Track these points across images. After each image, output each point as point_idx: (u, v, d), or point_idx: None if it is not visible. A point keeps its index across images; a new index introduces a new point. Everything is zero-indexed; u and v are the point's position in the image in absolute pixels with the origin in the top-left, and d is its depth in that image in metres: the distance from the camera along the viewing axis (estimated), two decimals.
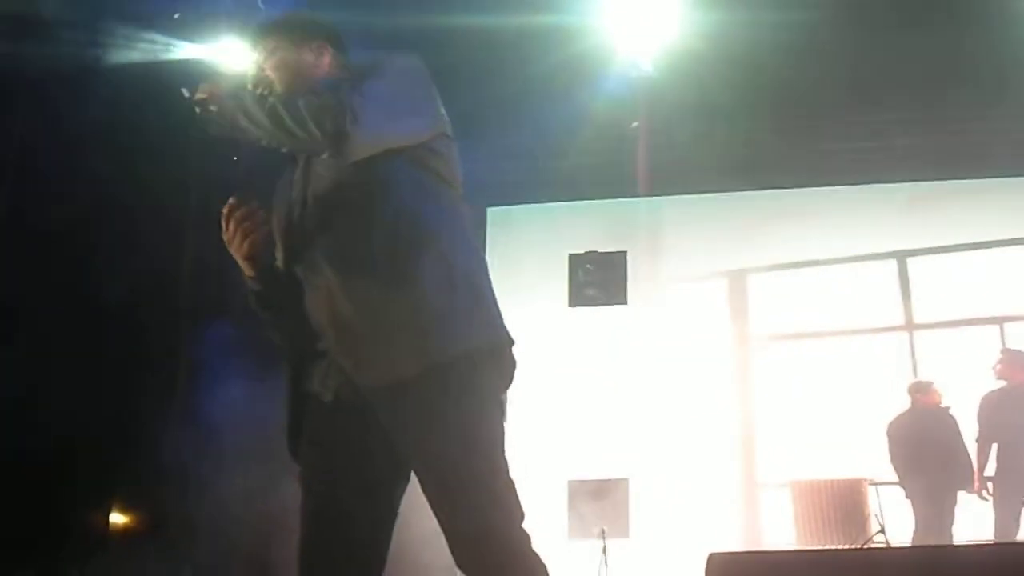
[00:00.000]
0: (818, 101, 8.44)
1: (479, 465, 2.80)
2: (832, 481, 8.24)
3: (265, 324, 3.11)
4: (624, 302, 9.64)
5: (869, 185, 9.14)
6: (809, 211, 9.26)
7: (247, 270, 2.99)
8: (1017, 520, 7.25)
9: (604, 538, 7.52)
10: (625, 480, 8.88)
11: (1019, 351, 7.99)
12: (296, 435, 2.99)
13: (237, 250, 2.94)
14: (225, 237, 2.94)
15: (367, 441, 2.90)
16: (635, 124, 9.25)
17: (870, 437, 8.22)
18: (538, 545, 2.80)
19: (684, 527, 8.56)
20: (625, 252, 9.74)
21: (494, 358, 2.91)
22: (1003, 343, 8.49)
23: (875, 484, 8.14)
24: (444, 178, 3.02)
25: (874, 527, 7.91)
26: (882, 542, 7.75)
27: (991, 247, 9.01)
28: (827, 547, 7.59)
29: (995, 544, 5.88)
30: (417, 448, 2.83)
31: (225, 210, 2.91)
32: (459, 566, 2.79)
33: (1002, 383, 7.90)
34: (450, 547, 2.79)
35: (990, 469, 7.75)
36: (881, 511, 8.03)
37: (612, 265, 9.79)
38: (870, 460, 8.20)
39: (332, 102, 2.77)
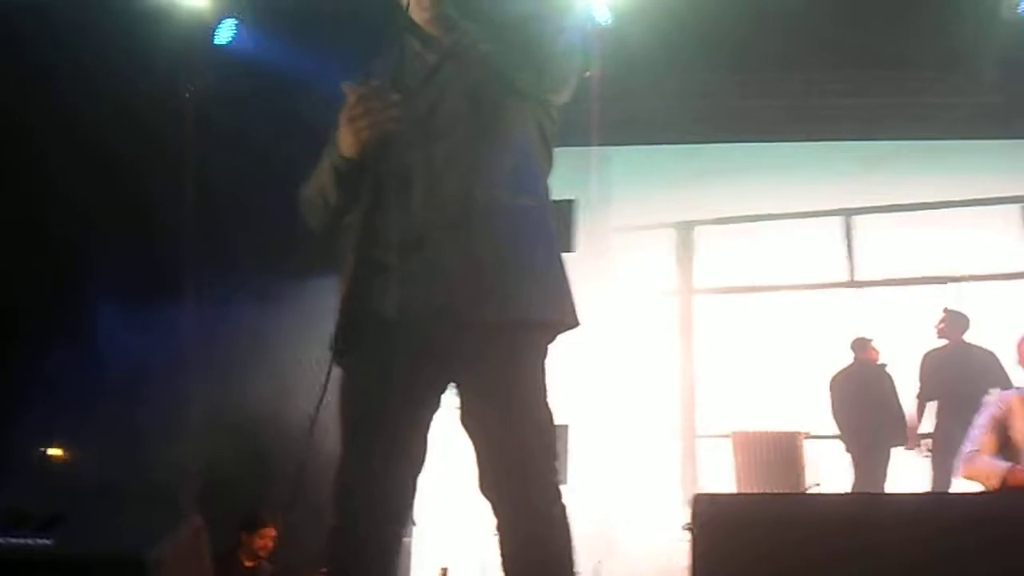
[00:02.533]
0: (774, 57, 8.49)
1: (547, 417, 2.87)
2: (771, 433, 8.37)
3: (323, 217, 3.05)
4: (571, 250, 9.67)
5: (819, 143, 9.23)
6: (758, 165, 9.33)
7: (350, 150, 2.88)
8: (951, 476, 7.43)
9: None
10: (565, 427, 8.95)
11: (960, 312, 8.16)
12: (344, 344, 2.90)
13: (357, 131, 2.83)
14: (348, 112, 2.83)
15: (419, 362, 2.86)
16: (587, 73, 9.21)
17: (812, 391, 8.38)
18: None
19: (623, 476, 8.67)
20: (573, 200, 9.75)
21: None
22: (945, 303, 8.66)
23: (812, 437, 8.30)
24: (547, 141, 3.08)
25: (810, 480, 8.08)
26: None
27: (937, 208, 9.16)
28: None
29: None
30: (499, 392, 2.83)
31: (361, 88, 2.82)
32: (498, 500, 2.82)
33: (943, 342, 8.08)
34: (498, 489, 2.81)
35: (930, 427, 7.94)
36: (817, 464, 8.19)
37: (560, 212, 9.80)
38: (811, 414, 8.36)
39: (578, 44, 2.83)
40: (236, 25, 7.61)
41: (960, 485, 5.66)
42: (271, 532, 7.06)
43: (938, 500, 4.13)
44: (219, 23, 7.49)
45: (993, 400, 5.68)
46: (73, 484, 6.83)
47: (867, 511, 2.73)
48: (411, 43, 3.04)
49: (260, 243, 7.75)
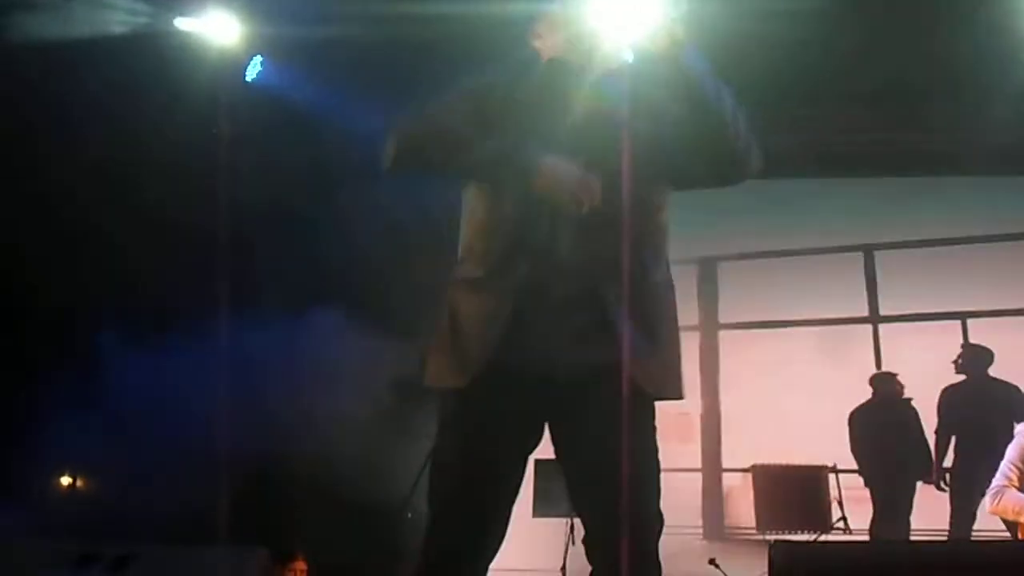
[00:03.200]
0: (794, 93, 8.51)
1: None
2: (794, 467, 8.35)
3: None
4: None
5: (839, 179, 9.24)
6: (780, 201, 9.35)
7: (551, 190, 2.82)
8: (974, 512, 7.40)
9: (571, 516, 7.60)
10: None
11: (983, 346, 8.14)
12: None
13: (571, 200, 2.81)
14: (574, 183, 2.81)
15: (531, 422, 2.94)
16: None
17: (833, 426, 8.35)
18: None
19: None
20: None
21: None
22: (965, 338, 8.65)
23: (836, 472, 8.27)
24: None
25: (835, 515, 8.05)
26: (842, 529, 7.91)
27: (955, 244, 9.17)
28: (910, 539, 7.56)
29: None
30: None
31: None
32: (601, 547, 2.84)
33: (962, 377, 8.06)
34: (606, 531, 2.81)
35: (948, 461, 7.90)
36: (842, 499, 8.16)
37: None
38: (833, 449, 8.33)
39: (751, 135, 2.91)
40: (263, 62, 7.73)
41: (986, 519, 5.66)
42: (302, 566, 7.08)
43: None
44: (248, 60, 7.62)
45: (1019, 431, 5.69)
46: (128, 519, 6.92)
47: (948, 558, 2.68)
48: (545, 78, 3.05)
49: (289, 277, 7.88)
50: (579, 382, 2.83)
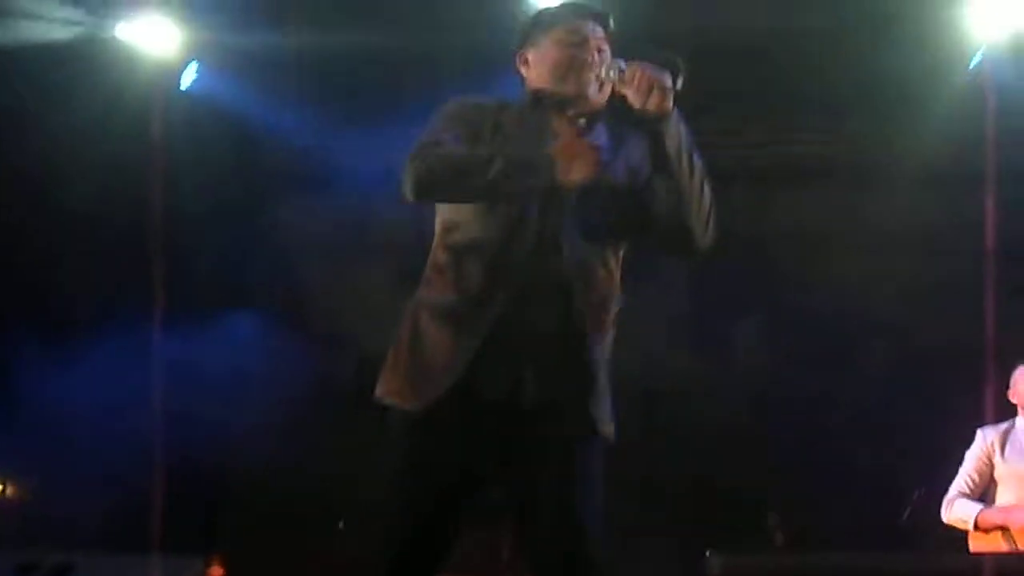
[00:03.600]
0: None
1: None
2: None
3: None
4: None
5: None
6: None
7: (574, 176, 2.79)
8: None
9: None
10: None
11: None
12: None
13: (593, 160, 2.80)
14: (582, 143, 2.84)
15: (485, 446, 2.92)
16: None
17: None
18: None
19: None
20: None
21: None
22: None
23: None
24: None
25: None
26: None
27: None
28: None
29: None
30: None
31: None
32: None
33: None
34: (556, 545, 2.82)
35: None
36: None
37: None
38: None
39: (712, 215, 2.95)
40: (199, 69, 7.67)
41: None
42: (218, 572, 6.99)
43: (959, 560, 4.00)
44: (184, 67, 7.55)
45: (978, 439, 5.69)
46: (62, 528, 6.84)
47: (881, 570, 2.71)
48: (530, 111, 3.05)
49: (218, 284, 7.84)
50: (542, 417, 2.84)
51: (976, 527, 5.45)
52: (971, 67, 7.39)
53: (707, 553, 3.15)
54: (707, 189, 2.93)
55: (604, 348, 2.95)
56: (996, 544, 5.40)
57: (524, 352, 2.84)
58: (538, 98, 3.06)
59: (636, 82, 2.81)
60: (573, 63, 2.99)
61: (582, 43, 3.00)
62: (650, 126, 2.86)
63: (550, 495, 2.82)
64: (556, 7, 3.26)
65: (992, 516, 5.46)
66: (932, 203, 7.78)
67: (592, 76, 2.97)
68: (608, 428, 2.93)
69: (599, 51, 3.01)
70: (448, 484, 2.87)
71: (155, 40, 7.18)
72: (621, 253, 3.05)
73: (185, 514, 7.07)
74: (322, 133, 7.64)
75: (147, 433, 7.00)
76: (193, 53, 7.47)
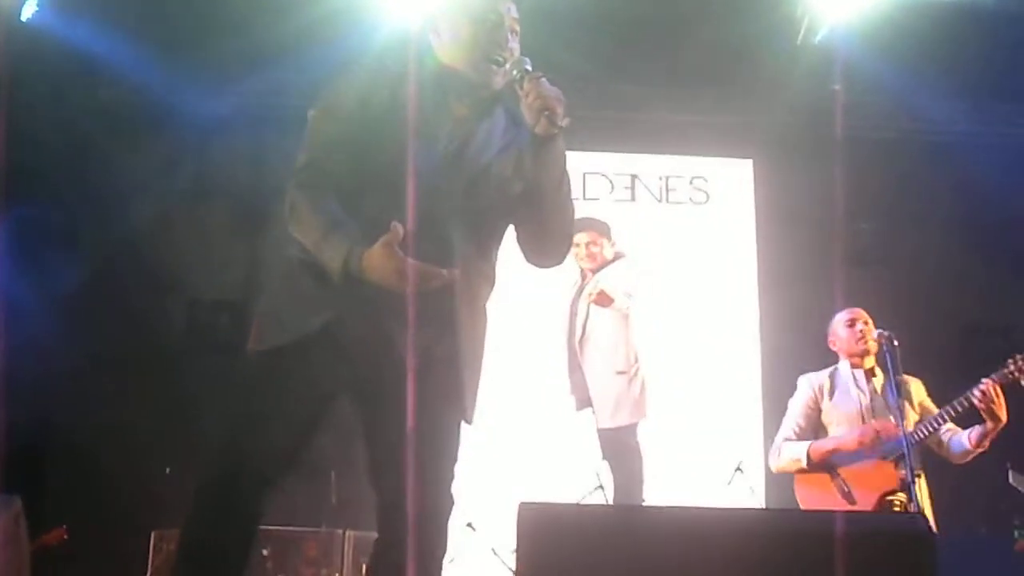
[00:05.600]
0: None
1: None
2: None
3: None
4: None
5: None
6: None
7: (373, 277, 2.82)
8: None
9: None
10: None
11: None
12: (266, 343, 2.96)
13: (392, 280, 2.81)
14: (397, 268, 2.78)
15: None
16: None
17: None
18: None
19: None
20: None
21: None
22: None
23: None
24: None
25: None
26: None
27: None
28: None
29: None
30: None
31: (428, 274, 2.82)
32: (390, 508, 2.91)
33: None
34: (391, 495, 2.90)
35: None
36: None
37: None
38: None
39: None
40: (39, 2, 7.45)
41: None
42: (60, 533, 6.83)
43: (772, 515, 4.07)
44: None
45: (802, 386, 5.76)
46: None
47: (695, 525, 2.77)
48: (433, 87, 3.03)
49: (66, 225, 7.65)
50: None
51: (809, 461, 5.52)
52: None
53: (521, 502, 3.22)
54: (571, 208, 3.06)
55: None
56: (826, 488, 5.50)
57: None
58: (440, 80, 3.05)
59: (531, 100, 2.88)
60: (486, 50, 3.00)
61: (497, 25, 3.01)
62: (543, 138, 2.93)
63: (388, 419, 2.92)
64: None
65: (824, 444, 5.56)
66: None
67: (499, 68, 3.00)
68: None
69: (512, 32, 3.04)
70: (304, 403, 2.93)
71: None
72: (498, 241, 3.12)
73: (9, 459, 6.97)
74: (162, 71, 7.52)
75: None
76: None
